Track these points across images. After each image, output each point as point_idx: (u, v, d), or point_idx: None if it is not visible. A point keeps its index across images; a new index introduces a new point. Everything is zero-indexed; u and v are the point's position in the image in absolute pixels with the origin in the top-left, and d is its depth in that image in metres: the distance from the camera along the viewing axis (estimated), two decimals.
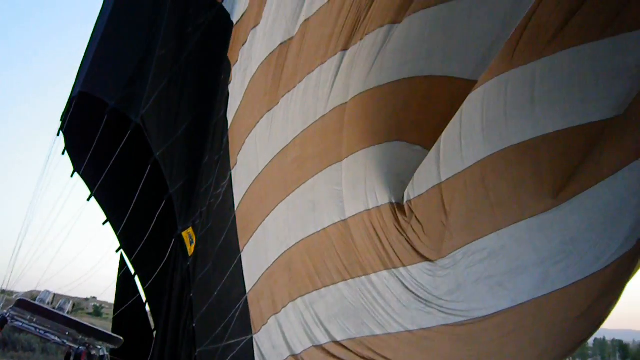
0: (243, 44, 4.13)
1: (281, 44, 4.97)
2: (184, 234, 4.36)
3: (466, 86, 6.22)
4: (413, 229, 7.17)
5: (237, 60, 4.15)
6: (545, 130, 6.92)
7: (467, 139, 6.93)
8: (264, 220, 6.15)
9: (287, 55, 5.17)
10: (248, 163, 5.53)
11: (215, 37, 3.66)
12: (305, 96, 5.94)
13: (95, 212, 4.54)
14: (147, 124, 3.56)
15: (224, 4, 3.58)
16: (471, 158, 7.03)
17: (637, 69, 6.41)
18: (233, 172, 5.18)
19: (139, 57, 3.45)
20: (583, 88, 6.70)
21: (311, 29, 5.25)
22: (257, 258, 6.05)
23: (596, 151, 6.88)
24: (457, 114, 6.59)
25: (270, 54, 5.02)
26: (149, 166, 3.78)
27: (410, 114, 6.71)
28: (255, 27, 4.33)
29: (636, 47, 6.38)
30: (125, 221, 3.98)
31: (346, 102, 6.51)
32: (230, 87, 4.16)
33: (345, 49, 5.89)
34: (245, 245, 5.79)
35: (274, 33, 4.85)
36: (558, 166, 6.97)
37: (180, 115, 3.79)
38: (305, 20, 5.10)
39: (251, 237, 5.94)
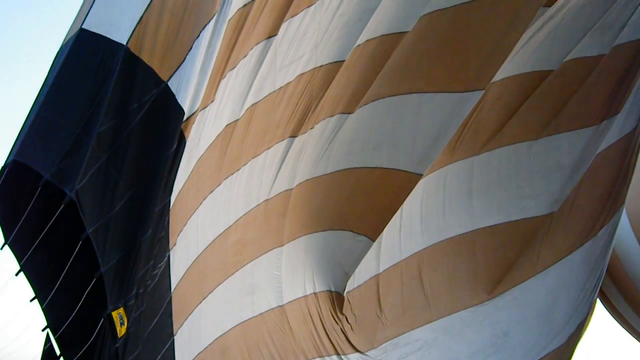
0: (193, 123, 4.16)
1: (227, 125, 5.03)
2: (114, 314, 4.23)
3: (412, 179, 6.34)
4: (347, 319, 7.13)
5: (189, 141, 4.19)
6: (481, 224, 7.13)
7: (406, 231, 7.05)
8: (200, 303, 6.01)
9: (231, 138, 5.21)
10: (188, 244, 5.45)
11: (159, 115, 3.65)
12: (250, 180, 5.95)
13: (22, 286, 4.39)
14: (81, 199, 3.51)
15: (169, 83, 3.59)
16: (408, 250, 7.15)
17: (571, 169, 6.77)
18: (172, 252, 5.10)
19: (78, 130, 3.43)
20: (519, 184, 7.01)
21: (259, 114, 5.32)
22: (189, 343, 5.87)
23: (531, 246, 7.11)
24: (401, 206, 6.74)
25: (217, 136, 5.07)
26: (80, 243, 3.71)
27: (357, 204, 6.72)
28: (204, 108, 4.39)
29: (570, 147, 6.78)
30: (51, 297, 3.85)
31: (292, 188, 6.55)
32: (179, 169, 4.17)
33: (294, 136, 5.99)
34: (179, 328, 5.63)
35: (222, 115, 4.92)
36: (493, 260, 7.14)
37: (117, 192, 3.75)
38: (252, 104, 5.17)
39: (186, 320, 5.79)
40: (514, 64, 6.70)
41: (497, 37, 5.67)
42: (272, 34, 4.70)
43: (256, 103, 5.25)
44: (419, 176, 6.31)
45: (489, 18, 5.64)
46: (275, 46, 4.83)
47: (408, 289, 7.20)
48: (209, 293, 6.11)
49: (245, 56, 4.56)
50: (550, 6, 6.34)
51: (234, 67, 4.54)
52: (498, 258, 7.13)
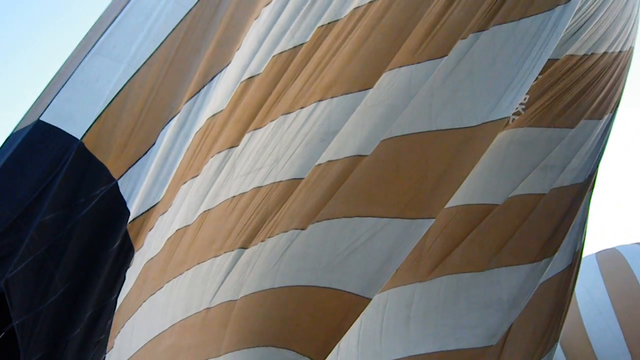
0: (150, 229, 4.08)
1: (178, 229, 4.95)
2: None
3: (360, 302, 6.19)
4: None
5: (141, 246, 4.06)
6: (416, 351, 7.05)
7: (343, 354, 6.91)
8: None
9: (180, 243, 5.11)
10: (121, 346, 5.18)
11: (105, 212, 3.56)
12: (192, 285, 5.75)
13: None
14: (11, 289, 3.36)
15: (119, 182, 3.54)
16: None
17: (509, 304, 6.87)
18: (107, 356, 4.84)
19: (15, 215, 3.31)
20: (458, 314, 7.02)
21: (210, 221, 5.24)
22: None
23: None
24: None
25: (168, 239, 4.97)
26: (4, 333, 3.50)
27: (303, 323, 6.43)
28: (163, 214, 4.34)
29: (510, 283, 6.90)
30: None
31: (236, 300, 6.25)
32: (128, 272, 4.02)
33: (244, 247, 5.85)
34: None
35: (175, 220, 4.85)
36: None
37: (52, 286, 3.59)
38: (205, 211, 5.11)
39: None
40: (462, 194, 6.90)
41: (452, 167, 5.80)
42: (234, 144, 4.73)
43: (209, 210, 5.19)
44: (367, 300, 6.20)
45: (445, 147, 5.80)
46: (235, 156, 4.86)
47: None
48: None
49: (205, 163, 4.56)
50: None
51: (196, 175, 4.54)
52: None
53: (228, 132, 4.55)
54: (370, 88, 5.41)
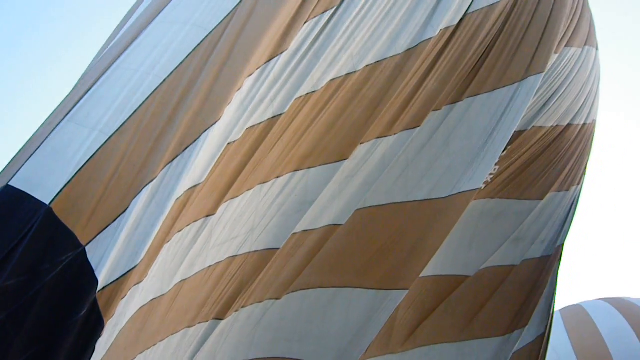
0: (122, 298, 3.93)
1: (152, 299, 4.78)
2: None
3: None
4: None
5: (112, 315, 3.90)
6: None
7: None
8: None
9: (154, 312, 4.93)
10: None
11: (71, 279, 3.42)
12: (164, 356, 5.54)
13: None
14: None
15: (87, 248, 3.43)
16: None
17: None
18: None
19: None
20: None
21: (185, 291, 5.09)
22: None
23: None
24: None
25: (141, 308, 4.80)
26: None
27: None
28: (138, 283, 4.20)
29: (483, 355, 6.88)
30: None
31: None
32: (98, 343, 3.84)
33: (219, 318, 5.72)
34: None
35: (150, 289, 4.70)
36: None
37: (10, 354, 3.38)
38: (181, 281, 4.96)
39: None
40: (433, 265, 6.90)
41: (426, 237, 5.81)
42: (210, 213, 4.62)
43: (185, 279, 5.06)
44: None
45: (419, 218, 5.82)
46: (212, 225, 4.75)
47: None
48: None
49: (180, 231, 4.45)
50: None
51: (168, 242, 4.41)
52: None
53: (205, 201, 4.45)
54: (346, 159, 5.43)
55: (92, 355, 3.69)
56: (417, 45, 5.34)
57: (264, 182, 5.11)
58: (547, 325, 7.29)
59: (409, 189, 5.81)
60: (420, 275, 6.67)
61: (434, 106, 5.77)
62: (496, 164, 6.68)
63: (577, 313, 12.44)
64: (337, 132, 5.29)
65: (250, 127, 4.49)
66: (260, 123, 4.57)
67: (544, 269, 7.12)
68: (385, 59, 5.27)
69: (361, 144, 5.50)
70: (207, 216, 4.66)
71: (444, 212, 5.80)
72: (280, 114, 4.64)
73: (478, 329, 6.96)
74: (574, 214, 7.34)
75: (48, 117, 3.76)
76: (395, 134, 5.68)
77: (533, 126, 6.88)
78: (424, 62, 5.49)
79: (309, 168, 5.34)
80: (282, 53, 4.37)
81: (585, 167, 7.47)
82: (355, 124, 5.35)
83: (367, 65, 5.18)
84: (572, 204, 7.33)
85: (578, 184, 7.37)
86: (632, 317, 11.94)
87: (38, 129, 3.66)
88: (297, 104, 4.76)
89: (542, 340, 7.25)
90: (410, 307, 6.91)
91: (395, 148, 5.72)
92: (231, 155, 4.40)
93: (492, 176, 6.94)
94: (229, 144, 4.26)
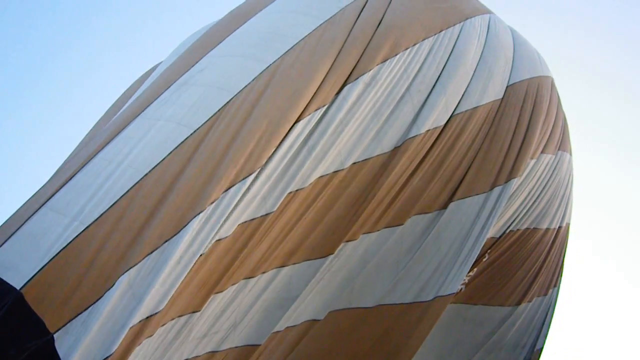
0: None
1: None
2: None
3: None
4: None
5: None
6: None
7: None
8: None
9: None
10: None
11: None
12: None
13: None
14: None
15: (55, 335, 3.32)
16: None
17: None
18: None
19: None
20: None
21: None
22: None
23: None
24: None
25: None
26: None
27: None
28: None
29: None
30: None
31: None
32: None
33: None
34: None
35: None
36: None
37: None
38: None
39: None
40: None
41: (411, 338, 5.80)
42: (196, 309, 4.57)
43: None
44: None
45: (406, 320, 5.81)
46: (195, 319, 4.67)
47: None
48: None
49: (164, 325, 4.32)
50: None
51: (151, 336, 4.28)
52: None
53: (191, 296, 4.38)
54: (331, 254, 5.45)
55: None
56: (402, 144, 5.46)
57: (249, 278, 5.09)
58: None
59: (402, 291, 5.81)
60: None
61: (423, 208, 5.84)
62: (472, 268, 6.70)
63: None
64: (322, 228, 5.31)
65: (242, 223, 4.49)
66: (253, 219, 4.58)
67: None
68: (371, 157, 5.38)
69: (346, 241, 5.52)
70: (193, 312, 4.62)
71: (427, 314, 5.76)
72: (272, 212, 4.67)
73: None
74: (552, 316, 7.30)
75: (27, 201, 3.81)
76: (377, 231, 5.71)
77: (510, 230, 6.93)
78: (412, 161, 5.60)
79: (294, 264, 5.33)
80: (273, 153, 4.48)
81: (562, 269, 7.49)
82: (341, 221, 5.39)
83: (354, 163, 5.27)
84: (550, 306, 7.30)
85: (555, 285, 7.36)
86: None
87: (16, 212, 3.70)
88: (287, 200, 4.79)
89: None
90: None
91: (377, 245, 5.72)
92: (222, 252, 4.39)
93: (469, 278, 6.93)
94: (217, 240, 4.26)
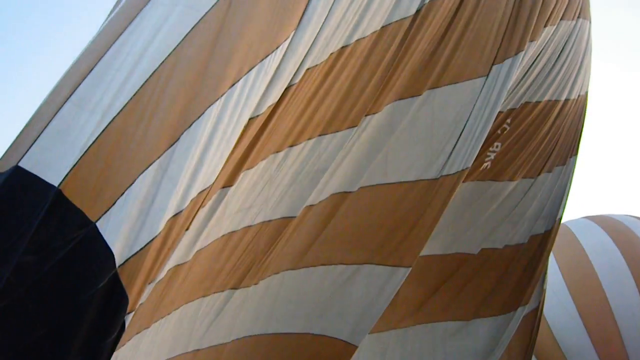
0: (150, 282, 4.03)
1: (169, 269, 4.86)
2: None
3: (348, 350, 6.20)
4: None
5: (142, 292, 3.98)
6: None
7: None
8: None
9: (172, 282, 5.03)
10: None
11: (84, 255, 3.52)
12: (179, 326, 5.56)
13: None
14: None
15: (97, 224, 3.52)
16: None
17: (484, 355, 7.12)
18: None
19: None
20: None
21: (201, 260, 5.16)
22: None
23: None
24: None
25: (159, 281, 4.88)
26: None
27: None
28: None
29: (487, 334, 7.10)
30: None
31: (227, 343, 6.16)
32: (127, 318, 3.96)
33: (235, 288, 5.80)
34: None
35: (169, 261, 4.77)
36: None
37: (31, 327, 3.56)
38: (198, 250, 5.03)
39: None
40: (438, 243, 7.02)
41: (424, 216, 5.90)
42: (227, 184, 4.69)
43: (201, 249, 5.03)
44: (355, 347, 6.23)
45: (413, 197, 5.89)
46: (229, 196, 4.79)
47: None
48: None
49: (203, 207, 4.52)
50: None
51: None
52: None
53: (224, 173, 4.49)
54: (356, 126, 5.49)
55: (122, 329, 3.77)
56: (424, 6, 5.37)
57: (278, 152, 5.16)
58: (540, 301, 7.54)
59: (424, 166, 5.91)
60: (425, 253, 6.83)
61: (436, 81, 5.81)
62: (499, 141, 6.69)
63: (561, 232, 12.75)
64: (351, 99, 5.34)
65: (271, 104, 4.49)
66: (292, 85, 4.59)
67: (546, 244, 7.28)
68: (391, 22, 5.27)
69: (372, 114, 5.60)
70: (224, 187, 4.71)
71: (439, 191, 5.89)
72: (294, 84, 4.64)
73: (484, 308, 7.15)
74: (570, 184, 7.41)
75: (47, 97, 3.85)
76: (403, 99, 5.73)
77: (528, 102, 6.80)
78: (439, 25, 5.56)
79: (320, 135, 5.39)
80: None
81: (580, 136, 7.46)
82: (367, 91, 5.40)
83: (374, 32, 5.18)
84: (569, 175, 7.38)
85: (574, 154, 7.39)
86: (615, 233, 12.21)
87: (39, 109, 3.76)
88: (308, 74, 4.75)
89: (536, 313, 7.46)
90: (413, 284, 7.05)
91: (401, 112, 5.78)
92: (251, 128, 4.43)
93: (494, 154, 6.95)
94: (251, 118, 4.30)
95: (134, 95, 3.74)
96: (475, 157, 5.91)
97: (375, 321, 6.12)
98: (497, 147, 6.87)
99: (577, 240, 12.28)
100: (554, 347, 11.58)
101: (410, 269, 5.91)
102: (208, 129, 3.92)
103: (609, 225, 12.45)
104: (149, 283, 3.81)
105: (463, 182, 6.65)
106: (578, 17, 6.71)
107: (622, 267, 11.69)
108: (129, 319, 3.77)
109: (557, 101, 6.95)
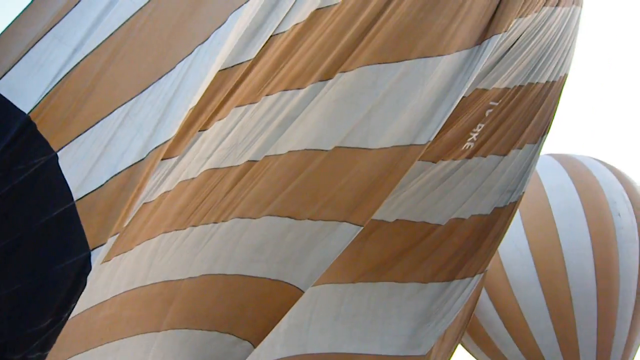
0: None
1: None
2: None
3: (298, 294, 6.50)
4: None
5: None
6: (340, 349, 7.62)
7: (270, 336, 7.06)
8: None
9: (136, 220, 5.16)
10: None
11: (43, 181, 3.66)
12: (139, 260, 5.74)
13: None
14: None
15: (59, 153, 3.63)
16: (268, 357, 7.52)
17: (437, 318, 7.60)
18: None
19: None
20: (385, 321, 7.65)
21: (166, 200, 5.22)
22: None
23: None
24: None
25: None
26: None
27: (249, 311, 6.73)
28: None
29: (442, 297, 7.58)
30: None
31: (183, 279, 6.39)
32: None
33: (195, 226, 5.95)
34: None
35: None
36: None
37: None
38: (165, 192, 5.08)
39: None
40: (407, 209, 7.34)
41: (387, 180, 6.13)
42: (202, 128, 4.77)
43: (168, 191, 5.17)
44: (302, 292, 6.51)
45: (384, 161, 6.06)
46: (202, 140, 4.92)
47: None
48: None
49: (170, 153, 4.55)
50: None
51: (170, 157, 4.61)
52: None
53: (197, 120, 4.59)
54: (330, 79, 5.55)
55: (76, 256, 3.77)
56: None
57: (253, 102, 5.21)
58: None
59: (401, 133, 6.01)
60: (395, 218, 7.07)
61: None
62: (482, 122, 6.77)
63: None
64: (325, 52, 5.35)
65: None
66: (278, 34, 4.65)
67: (508, 216, 7.56)
68: None
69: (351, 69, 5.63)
70: (200, 131, 4.78)
71: (403, 159, 6.08)
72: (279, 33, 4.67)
73: (443, 273, 7.54)
74: (536, 161, 7.62)
75: (23, 20, 3.79)
76: (388, 63, 5.77)
77: (515, 85, 6.93)
78: None
79: (298, 89, 5.42)
80: None
81: (553, 116, 7.56)
82: (345, 45, 5.42)
83: None
84: (536, 151, 7.56)
85: (545, 133, 7.51)
86: (576, 175, 12.49)
87: (14, 31, 3.72)
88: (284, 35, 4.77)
89: (483, 279, 8.00)
90: (378, 244, 7.36)
91: (387, 77, 5.81)
92: (218, 79, 4.44)
93: (476, 134, 7.04)
94: (220, 70, 4.36)
95: (109, 36, 3.75)
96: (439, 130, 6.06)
97: (323, 271, 6.38)
98: (479, 127, 6.93)
99: (539, 177, 12.46)
100: (502, 279, 12.13)
101: (362, 227, 6.18)
102: (177, 81, 3.94)
103: (571, 165, 12.79)
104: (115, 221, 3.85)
105: (442, 160, 6.80)
106: (572, 4, 6.70)
107: (577, 208, 12.11)
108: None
109: (538, 83, 6.97)
